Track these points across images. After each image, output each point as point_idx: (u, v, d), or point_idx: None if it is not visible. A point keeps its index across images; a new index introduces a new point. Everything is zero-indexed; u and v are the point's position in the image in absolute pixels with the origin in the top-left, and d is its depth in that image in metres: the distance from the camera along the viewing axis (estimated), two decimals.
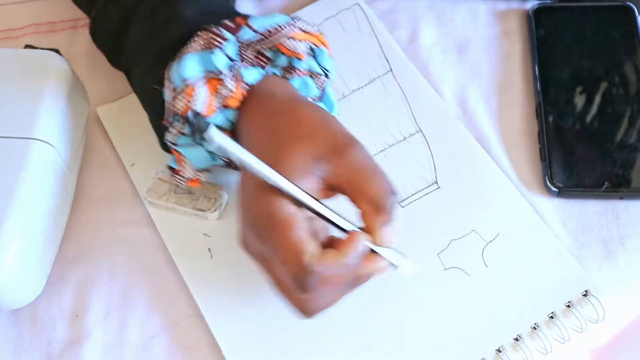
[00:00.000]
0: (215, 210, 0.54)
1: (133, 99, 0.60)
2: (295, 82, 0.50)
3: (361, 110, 0.59)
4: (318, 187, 0.44)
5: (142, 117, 0.54)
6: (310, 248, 0.42)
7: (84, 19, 0.64)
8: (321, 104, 0.52)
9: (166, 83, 0.48)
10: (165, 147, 0.52)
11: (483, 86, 0.61)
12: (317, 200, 0.43)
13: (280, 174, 0.42)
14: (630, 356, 0.53)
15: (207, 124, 0.40)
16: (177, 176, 0.52)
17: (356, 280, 0.45)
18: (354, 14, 0.63)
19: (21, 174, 0.48)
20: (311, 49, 0.50)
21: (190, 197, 0.55)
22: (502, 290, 0.51)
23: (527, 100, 0.60)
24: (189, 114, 0.47)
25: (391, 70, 0.61)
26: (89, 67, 0.62)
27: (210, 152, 0.50)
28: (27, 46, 0.57)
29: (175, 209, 0.55)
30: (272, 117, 0.46)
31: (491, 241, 0.53)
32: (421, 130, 0.58)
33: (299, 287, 0.42)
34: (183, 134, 0.49)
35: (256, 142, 0.45)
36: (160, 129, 0.51)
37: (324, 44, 0.51)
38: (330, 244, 0.44)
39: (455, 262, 0.52)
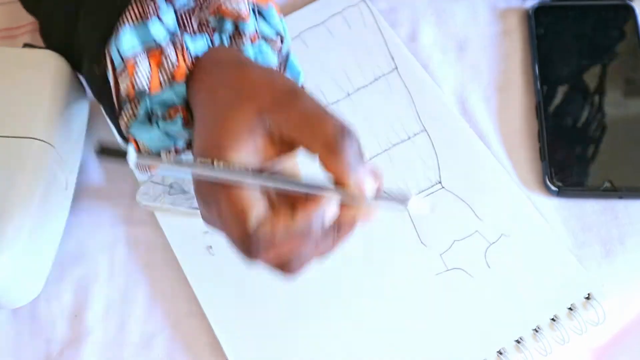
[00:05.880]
0: None
1: None
2: (250, 50, 0.47)
3: (366, 108, 0.59)
4: (265, 143, 0.40)
5: None
6: (256, 212, 0.38)
7: None
8: (286, 74, 0.49)
9: (108, 65, 0.44)
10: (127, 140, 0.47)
11: (483, 85, 0.61)
12: (266, 175, 0.39)
13: (227, 138, 0.39)
14: (630, 355, 0.54)
15: (125, 152, 0.35)
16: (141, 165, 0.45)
17: (329, 239, 0.41)
18: (359, 10, 0.63)
19: (20, 174, 0.48)
20: (258, 11, 0.47)
21: (185, 196, 0.55)
22: (504, 292, 0.51)
23: (526, 99, 0.60)
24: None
25: (396, 68, 0.60)
26: None
27: (167, 134, 0.46)
28: (26, 45, 0.56)
29: (171, 209, 0.55)
30: (218, 86, 0.43)
31: (494, 242, 0.53)
32: (426, 130, 0.58)
33: (245, 253, 0.39)
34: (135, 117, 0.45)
35: (203, 115, 0.42)
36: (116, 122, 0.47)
37: (271, 3, 0.47)
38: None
39: (458, 263, 0.52)
